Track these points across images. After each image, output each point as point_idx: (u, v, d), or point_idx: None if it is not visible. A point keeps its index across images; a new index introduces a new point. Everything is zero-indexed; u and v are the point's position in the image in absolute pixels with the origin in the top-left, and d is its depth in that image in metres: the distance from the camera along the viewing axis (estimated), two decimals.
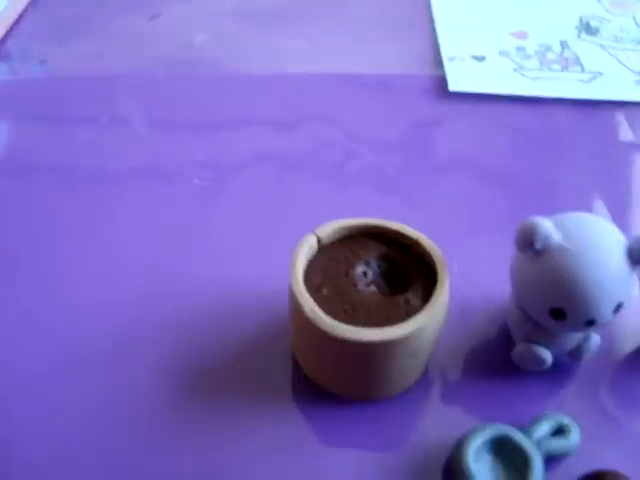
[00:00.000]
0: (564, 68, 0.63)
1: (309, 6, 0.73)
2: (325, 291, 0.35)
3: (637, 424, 0.38)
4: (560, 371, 0.39)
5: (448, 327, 0.39)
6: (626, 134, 0.57)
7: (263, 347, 0.40)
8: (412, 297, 0.35)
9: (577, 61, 0.64)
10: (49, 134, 0.56)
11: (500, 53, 0.64)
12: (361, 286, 0.36)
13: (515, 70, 0.62)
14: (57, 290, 0.44)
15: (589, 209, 0.50)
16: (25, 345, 0.41)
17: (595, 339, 0.38)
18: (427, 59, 0.65)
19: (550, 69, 0.62)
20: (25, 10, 0.71)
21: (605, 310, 0.33)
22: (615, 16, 0.71)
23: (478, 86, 0.60)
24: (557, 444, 0.35)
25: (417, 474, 0.35)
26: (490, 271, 0.41)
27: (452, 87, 0.60)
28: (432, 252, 0.36)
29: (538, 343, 0.37)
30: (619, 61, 0.64)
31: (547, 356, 0.37)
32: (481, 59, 0.63)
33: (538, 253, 0.34)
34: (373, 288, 0.36)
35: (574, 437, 0.35)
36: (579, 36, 0.68)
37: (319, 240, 0.37)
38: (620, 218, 0.49)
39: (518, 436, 0.34)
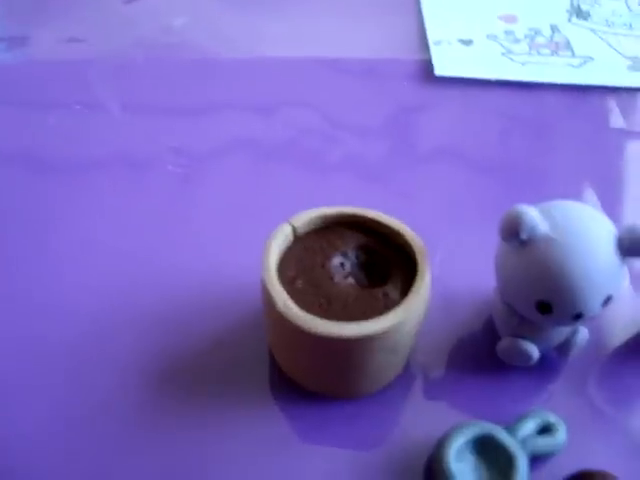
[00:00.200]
0: (554, 52, 0.61)
1: None
2: (299, 283, 0.34)
3: (627, 421, 0.36)
4: (547, 366, 0.38)
5: (431, 321, 0.38)
6: (617, 120, 0.55)
7: (239, 343, 0.39)
8: (391, 290, 0.33)
9: (567, 45, 0.62)
10: (18, 120, 0.54)
11: (488, 37, 0.63)
12: (338, 278, 0.34)
13: (503, 54, 0.60)
14: (27, 280, 0.42)
15: (578, 197, 0.48)
16: None
17: (583, 333, 0.36)
18: (412, 43, 0.63)
19: (540, 53, 0.61)
20: None
21: (593, 303, 0.32)
22: None
23: (465, 71, 0.58)
24: (543, 443, 0.34)
25: (397, 473, 0.34)
26: (476, 263, 0.39)
27: (438, 71, 0.58)
28: (413, 242, 0.34)
29: (524, 337, 0.36)
30: (610, 46, 0.62)
31: (533, 351, 0.36)
32: (468, 43, 0.62)
33: (524, 243, 0.32)
34: (350, 280, 0.34)
35: (561, 436, 0.34)
36: (570, 20, 0.66)
37: (294, 230, 0.35)
38: (610, 207, 0.48)
39: (502, 435, 0.33)
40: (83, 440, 0.35)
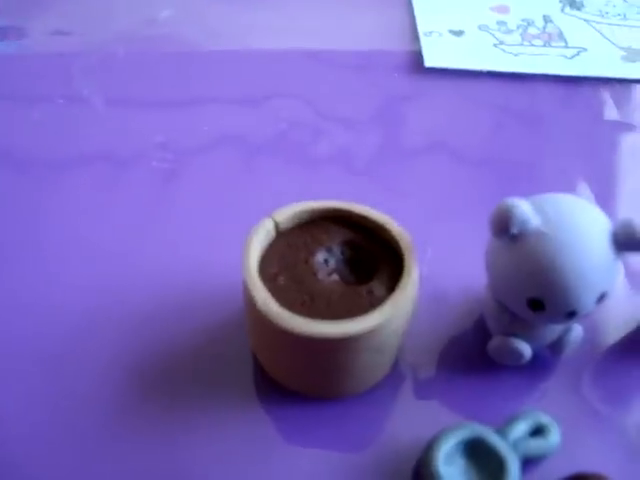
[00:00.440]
0: (547, 43, 0.60)
1: None
2: (282, 280, 0.32)
3: (622, 421, 0.35)
4: (540, 365, 0.37)
5: (420, 319, 0.37)
6: (611, 112, 0.54)
7: (223, 342, 0.38)
8: (377, 287, 0.32)
9: (561, 36, 0.61)
10: (0, 114, 0.53)
11: (479, 28, 0.61)
12: (322, 275, 0.33)
13: (495, 45, 0.59)
14: (9, 278, 0.41)
15: (572, 190, 0.47)
16: None
17: (577, 331, 0.35)
18: (402, 34, 0.62)
19: (532, 44, 0.60)
20: None
21: (587, 301, 0.31)
22: None
23: (456, 62, 0.57)
24: (535, 445, 0.33)
25: (385, 476, 0.33)
26: (468, 259, 0.38)
27: (428, 63, 0.57)
28: (399, 238, 0.33)
29: (516, 336, 0.35)
30: (604, 36, 0.61)
31: (525, 350, 0.35)
32: (459, 34, 0.60)
33: (514, 238, 0.31)
34: (335, 277, 0.33)
35: (553, 437, 0.33)
36: (563, 10, 0.65)
37: (277, 225, 0.34)
38: (604, 200, 0.47)
39: (493, 438, 0.32)
40: (66, 441, 0.34)
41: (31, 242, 0.43)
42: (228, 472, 0.33)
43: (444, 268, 0.41)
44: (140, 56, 0.59)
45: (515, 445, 0.32)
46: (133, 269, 0.42)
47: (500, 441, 0.32)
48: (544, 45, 0.60)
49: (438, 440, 0.32)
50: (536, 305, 0.32)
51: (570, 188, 0.48)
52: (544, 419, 0.33)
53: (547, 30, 0.62)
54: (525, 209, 0.30)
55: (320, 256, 0.34)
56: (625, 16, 0.64)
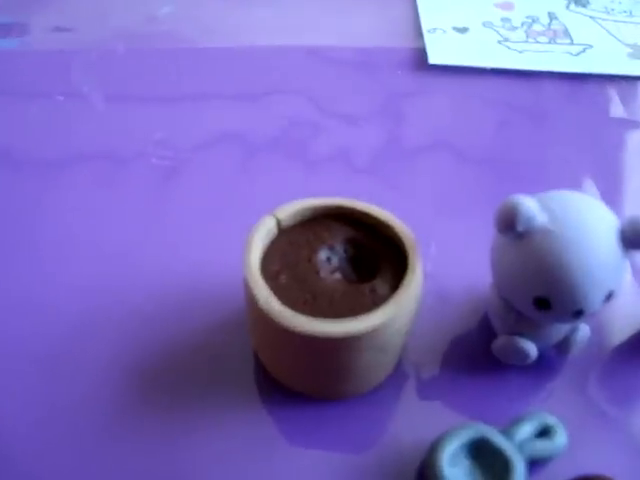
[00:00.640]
0: (552, 40, 0.59)
1: None
2: (283, 279, 0.32)
3: (630, 423, 0.35)
4: (545, 365, 0.37)
5: (423, 318, 0.37)
6: (617, 109, 0.54)
7: (224, 342, 0.37)
8: (380, 285, 0.32)
9: (566, 33, 0.60)
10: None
11: (484, 24, 0.61)
12: (324, 273, 0.32)
13: (499, 42, 0.59)
14: (7, 277, 0.41)
15: (578, 188, 0.47)
16: None
17: (584, 330, 0.35)
18: (406, 30, 0.61)
19: (537, 41, 0.59)
20: None
21: (594, 299, 0.30)
22: None
23: (460, 59, 0.56)
24: (541, 447, 0.32)
25: (389, 477, 0.33)
26: (472, 257, 0.38)
27: (432, 60, 0.56)
28: (403, 235, 0.33)
29: (522, 335, 0.35)
30: (610, 33, 0.61)
31: (531, 349, 0.34)
32: (463, 31, 0.60)
33: (520, 236, 0.31)
34: (338, 275, 0.33)
35: (560, 439, 0.32)
36: (568, 7, 0.64)
37: (279, 223, 0.34)
38: (611, 198, 0.46)
39: (498, 438, 0.31)
40: (65, 442, 0.33)
41: (29, 240, 0.43)
42: (229, 473, 0.33)
43: (448, 266, 0.41)
44: (140, 53, 0.58)
45: (521, 446, 0.31)
46: (133, 267, 0.41)
47: (505, 442, 0.31)
48: (549, 42, 0.59)
49: (442, 441, 0.31)
50: (542, 304, 0.31)
51: (576, 185, 0.47)
52: (550, 420, 0.33)
53: (552, 27, 0.61)
54: (531, 206, 0.30)
55: (322, 254, 0.33)
56: (631, 13, 0.64)
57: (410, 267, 0.32)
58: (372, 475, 0.33)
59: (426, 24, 0.61)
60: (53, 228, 0.44)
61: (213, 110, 0.53)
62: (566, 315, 0.31)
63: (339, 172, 0.48)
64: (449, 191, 0.47)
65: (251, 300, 0.31)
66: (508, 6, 0.64)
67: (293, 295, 0.31)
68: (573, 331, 0.35)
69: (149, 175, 0.47)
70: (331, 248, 0.34)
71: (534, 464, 0.32)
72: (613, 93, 0.55)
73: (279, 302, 0.30)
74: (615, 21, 0.62)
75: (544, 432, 0.33)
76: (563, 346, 0.35)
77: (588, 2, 0.65)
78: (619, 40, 0.60)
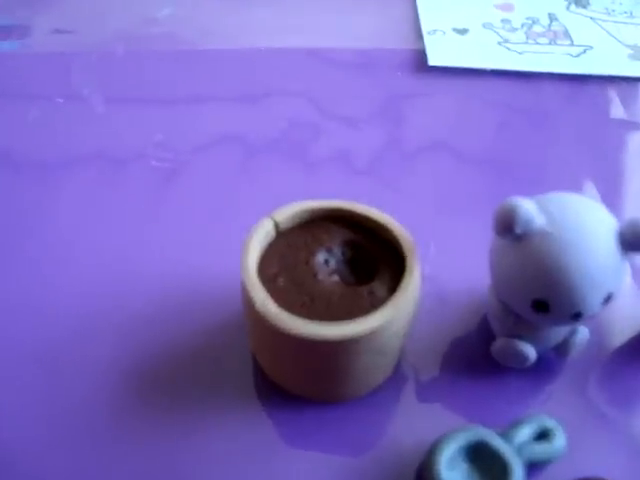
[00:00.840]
0: (552, 41, 0.59)
1: None
2: (281, 281, 0.32)
3: (630, 425, 0.35)
4: (545, 368, 0.36)
5: (422, 320, 0.37)
6: (617, 110, 0.54)
7: (222, 344, 0.37)
8: (378, 287, 0.32)
9: (566, 34, 0.60)
10: None
11: (484, 26, 0.61)
12: (322, 275, 0.32)
13: (499, 44, 0.59)
14: (5, 280, 0.41)
15: (578, 190, 0.47)
16: None
17: (583, 333, 0.35)
18: (406, 32, 0.61)
19: (537, 42, 0.59)
20: None
21: (593, 302, 0.30)
22: None
23: (460, 60, 0.56)
24: (540, 450, 0.32)
25: None
26: (472, 260, 0.38)
27: (432, 61, 0.56)
28: (401, 238, 0.33)
29: (521, 337, 0.34)
30: (610, 34, 0.60)
31: (530, 352, 0.34)
32: (463, 32, 0.60)
33: (519, 238, 0.30)
34: (335, 278, 0.32)
35: (559, 442, 0.32)
36: (568, 8, 0.64)
37: (276, 225, 0.33)
38: (611, 200, 0.46)
39: (497, 441, 0.31)
40: (64, 444, 0.33)
41: (28, 243, 0.43)
42: (228, 475, 0.32)
43: (447, 268, 0.41)
44: (140, 55, 0.58)
45: (519, 449, 0.31)
46: (133, 269, 0.41)
47: (504, 445, 0.31)
48: (549, 43, 0.59)
49: (441, 444, 0.31)
50: (541, 306, 0.31)
51: (576, 187, 0.47)
52: (549, 423, 0.33)
53: (552, 28, 0.61)
54: (529, 208, 0.30)
55: (320, 256, 0.33)
56: (631, 14, 0.64)
57: (408, 270, 0.31)
58: (371, 477, 0.32)
59: (426, 25, 0.61)
60: (52, 230, 0.43)
61: (213, 112, 0.53)
62: (564, 318, 0.31)
63: (339, 174, 0.48)
64: (449, 192, 0.47)
65: (248, 303, 0.31)
66: (508, 7, 0.64)
67: (291, 298, 0.31)
68: (572, 333, 0.35)
69: (148, 177, 0.47)
70: (329, 250, 0.33)
71: (533, 467, 0.32)
72: (613, 94, 0.55)
73: (276, 305, 0.30)
74: (615, 22, 0.62)
75: (543, 435, 0.32)
76: (562, 348, 0.35)
77: (588, 3, 0.65)
78: (619, 41, 0.59)
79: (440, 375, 0.36)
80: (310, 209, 0.34)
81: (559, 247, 0.29)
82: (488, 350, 0.36)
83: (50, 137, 0.50)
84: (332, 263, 0.33)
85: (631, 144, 0.52)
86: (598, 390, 0.36)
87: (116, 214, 0.44)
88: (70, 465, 0.33)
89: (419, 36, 0.60)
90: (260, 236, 0.33)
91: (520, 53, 0.57)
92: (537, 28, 0.61)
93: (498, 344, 0.35)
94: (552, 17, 0.63)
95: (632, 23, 0.62)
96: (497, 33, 0.60)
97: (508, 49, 0.58)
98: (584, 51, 0.58)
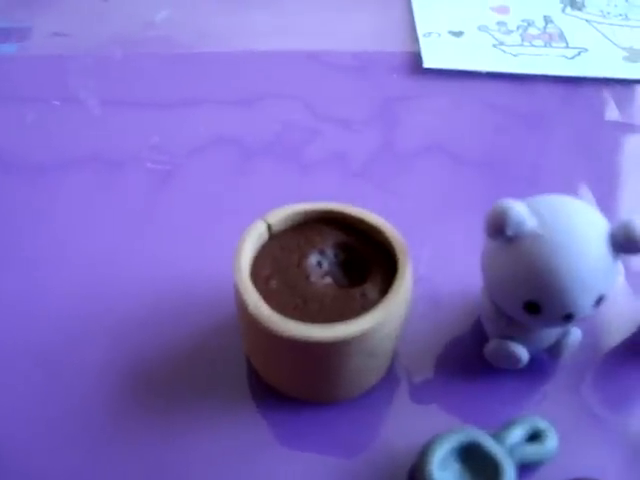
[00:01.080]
0: (547, 44, 0.59)
1: None
2: (274, 284, 0.32)
3: (623, 426, 0.35)
4: (537, 369, 0.36)
5: (416, 322, 0.37)
6: (612, 113, 0.54)
7: (216, 346, 0.37)
8: (370, 290, 0.32)
9: (561, 36, 0.60)
10: None
11: (479, 28, 0.61)
12: (314, 278, 0.32)
13: (495, 46, 0.59)
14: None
15: (572, 192, 0.47)
16: None
17: (576, 334, 0.35)
18: (401, 34, 0.61)
19: (532, 45, 0.59)
20: None
21: (584, 303, 0.30)
22: None
23: (455, 63, 0.56)
24: (532, 451, 0.32)
25: None
26: (465, 261, 0.38)
27: (427, 64, 0.56)
28: (394, 240, 0.33)
29: (513, 339, 0.35)
30: (605, 36, 0.61)
31: (522, 353, 0.34)
32: (459, 34, 0.60)
33: (510, 240, 0.31)
34: (328, 280, 0.33)
35: (551, 443, 0.32)
36: (564, 10, 0.64)
37: (269, 227, 0.34)
38: (605, 202, 0.46)
39: (489, 442, 0.31)
40: (60, 446, 0.33)
41: (21, 245, 0.43)
42: (222, 476, 0.32)
43: (441, 270, 0.41)
44: (136, 58, 0.58)
45: (511, 450, 0.31)
46: (126, 272, 0.41)
47: (496, 446, 0.31)
48: (545, 45, 0.59)
49: (433, 445, 0.31)
50: (532, 308, 0.31)
51: (571, 190, 0.47)
52: (541, 424, 0.33)
53: (548, 30, 0.61)
54: (520, 210, 0.30)
55: (313, 259, 0.33)
56: (627, 16, 0.64)
57: (400, 272, 0.32)
58: (363, 478, 0.32)
59: (421, 28, 0.61)
60: (48, 232, 0.44)
61: (208, 114, 0.53)
62: (556, 319, 0.31)
63: (334, 176, 0.48)
64: (444, 195, 0.47)
65: (241, 305, 0.31)
66: (503, 10, 0.64)
67: (284, 300, 0.31)
68: (564, 335, 0.35)
69: (144, 179, 0.47)
70: (322, 253, 0.34)
71: (524, 468, 0.32)
72: (608, 97, 0.55)
73: (268, 307, 0.30)
74: (611, 24, 0.62)
75: (535, 436, 0.32)
76: (555, 350, 0.35)
77: (584, 5, 0.65)
78: (614, 44, 0.60)
79: (433, 376, 0.36)
80: (303, 211, 0.34)
81: (550, 249, 0.29)
82: (481, 352, 0.36)
83: (46, 139, 0.50)
84: (325, 265, 0.33)
85: (626, 146, 0.52)
86: (591, 391, 0.36)
87: (111, 216, 0.45)
88: (65, 467, 0.33)
89: (414, 38, 0.60)
90: (253, 238, 0.33)
91: (515, 55, 0.58)
92: (532, 30, 0.61)
93: (491, 346, 0.35)
94: (547, 19, 0.63)
95: (627, 25, 0.62)
96: (492, 35, 0.60)
97: (503, 51, 0.58)
98: (579, 53, 0.58)
